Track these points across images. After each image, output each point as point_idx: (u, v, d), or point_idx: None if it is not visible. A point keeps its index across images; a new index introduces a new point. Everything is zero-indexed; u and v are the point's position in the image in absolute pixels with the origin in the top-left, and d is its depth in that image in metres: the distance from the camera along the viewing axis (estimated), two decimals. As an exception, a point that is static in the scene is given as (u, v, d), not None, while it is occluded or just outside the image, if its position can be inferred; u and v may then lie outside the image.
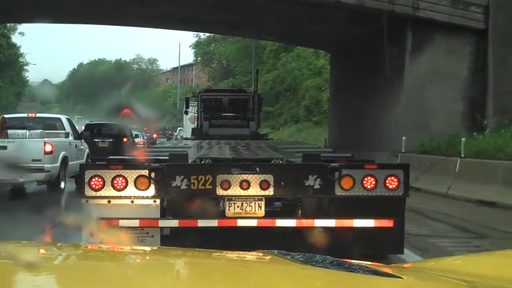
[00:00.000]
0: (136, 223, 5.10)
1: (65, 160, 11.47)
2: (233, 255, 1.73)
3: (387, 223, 5.18)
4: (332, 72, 24.33)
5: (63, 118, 13.32)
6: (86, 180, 5.04)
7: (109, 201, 5.08)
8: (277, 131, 38.13)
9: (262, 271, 1.57)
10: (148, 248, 2.39)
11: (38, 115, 13.93)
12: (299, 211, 5.74)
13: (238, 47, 54.75)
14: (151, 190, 5.05)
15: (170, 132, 49.73)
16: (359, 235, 5.18)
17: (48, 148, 10.73)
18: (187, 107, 16.34)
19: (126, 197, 5.07)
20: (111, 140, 18.82)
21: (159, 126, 53.32)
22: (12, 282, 1.26)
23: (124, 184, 5.03)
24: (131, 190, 5.04)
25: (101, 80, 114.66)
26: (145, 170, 5.05)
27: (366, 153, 16.13)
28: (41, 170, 10.56)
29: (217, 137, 10.36)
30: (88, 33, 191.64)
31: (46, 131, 11.73)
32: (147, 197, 5.08)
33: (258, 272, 1.55)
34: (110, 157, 5.85)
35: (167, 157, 5.40)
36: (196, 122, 14.29)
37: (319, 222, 5.30)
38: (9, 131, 11.40)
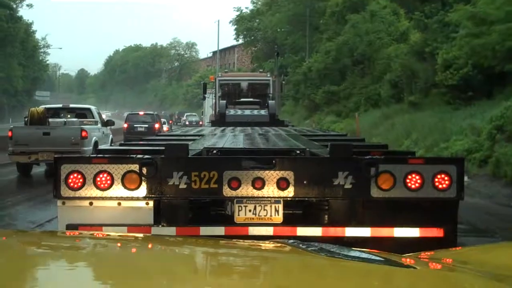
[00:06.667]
0: (123, 230, 4.19)
1: (96, 144, 13.44)
2: (248, 244, 1.75)
3: (436, 232, 4.24)
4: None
5: (93, 108, 16.51)
6: (63, 177, 4.19)
7: (90, 203, 4.25)
8: (346, 120, 26.46)
9: (276, 261, 1.62)
10: (165, 238, 2.40)
11: (72, 105, 17.47)
12: (326, 216, 4.58)
13: (288, 15, 44.22)
14: (143, 190, 4.22)
15: (177, 117, 51.01)
16: (401, 248, 3.78)
17: (84, 134, 13.00)
18: (205, 92, 17.95)
19: (111, 198, 4.24)
20: (146, 125, 25.37)
21: (165, 112, 54.76)
22: (17, 270, 1.29)
23: (109, 182, 4.20)
24: (117, 190, 4.21)
25: (136, 67, 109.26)
26: (135, 165, 4.20)
27: None
28: (78, 152, 11.91)
29: (234, 124, 10.12)
30: (126, 20, 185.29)
31: (79, 119, 15.21)
32: (138, 198, 4.25)
33: (272, 262, 1.59)
34: (100, 147, 5.22)
35: (162, 148, 4.47)
36: (213, 108, 14.24)
37: (351, 231, 4.27)
38: (50, 120, 14.52)
